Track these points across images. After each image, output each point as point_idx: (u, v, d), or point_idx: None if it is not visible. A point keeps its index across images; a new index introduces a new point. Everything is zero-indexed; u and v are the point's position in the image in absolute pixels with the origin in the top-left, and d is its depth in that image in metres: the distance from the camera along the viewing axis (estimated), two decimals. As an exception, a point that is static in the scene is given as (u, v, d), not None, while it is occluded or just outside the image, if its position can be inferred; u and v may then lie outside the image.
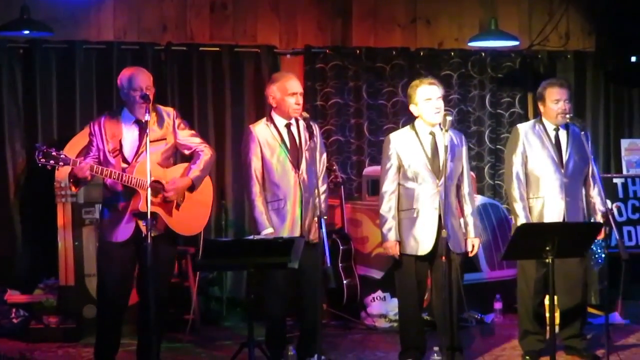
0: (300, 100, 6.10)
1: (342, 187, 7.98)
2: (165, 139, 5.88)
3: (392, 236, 6.01)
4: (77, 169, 5.60)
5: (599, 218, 6.29)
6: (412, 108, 6.09)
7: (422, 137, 6.03)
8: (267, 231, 5.94)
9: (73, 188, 5.82)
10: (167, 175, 5.85)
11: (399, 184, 6.05)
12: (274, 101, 6.09)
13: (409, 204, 6.02)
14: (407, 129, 6.13)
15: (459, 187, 6.13)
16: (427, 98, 5.98)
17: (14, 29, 7.58)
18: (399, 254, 6.02)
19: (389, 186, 6.06)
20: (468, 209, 6.11)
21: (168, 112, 5.97)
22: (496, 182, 8.77)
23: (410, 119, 8.39)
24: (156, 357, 5.74)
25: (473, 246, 6.10)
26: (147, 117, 5.58)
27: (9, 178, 7.81)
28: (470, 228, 6.09)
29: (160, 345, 5.94)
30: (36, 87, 7.86)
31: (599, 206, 6.30)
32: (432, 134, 6.02)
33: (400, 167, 6.04)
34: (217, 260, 5.56)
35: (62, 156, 5.56)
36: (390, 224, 6.02)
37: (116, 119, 5.85)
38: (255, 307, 5.70)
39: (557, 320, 6.27)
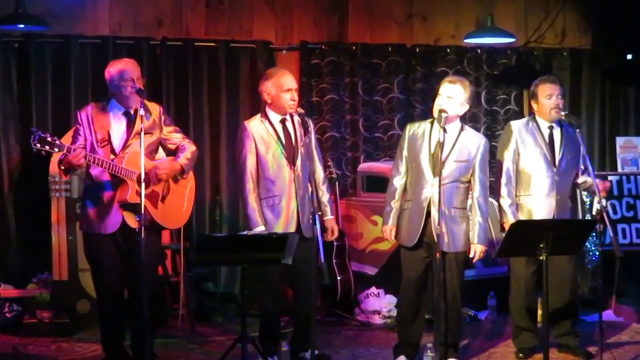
0: (296, 96, 6.09)
1: (336, 183, 7.97)
2: (151, 133, 5.91)
3: (387, 220, 6.06)
4: (73, 156, 5.60)
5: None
6: None
7: (433, 131, 6.00)
8: (259, 229, 5.92)
9: (63, 175, 5.82)
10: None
11: (407, 173, 6.07)
12: (269, 97, 6.08)
13: (408, 194, 6.04)
14: (428, 121, 6.09)
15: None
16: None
17: (9, 22, 7.55)
18: (391, 239, 6.08)
19: (394, 171, 6.09)
20: (475, 214, 6.03)
21: (155, 107, 6.02)
22: (490, 178, 8.74)
23: (405, 117, 8.50)
24: (150, 353, 5.74)
25: (476, 252, 6.00)
26: (141, 112, 5.58)
27: (3, 172, 7.77)
28: (474, 234, 6.00)
29: (153, 340, 5.93)
30: (31, 81, 7.82)
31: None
32: (443, 129, 5.98)
33: (407, 157, 6.05)
34: (211, 256, 5.57)
35: (57, 142, 5.57)
36: (388, 208, 6.07)
37: (104, 109, 5.87)
38: (249, 302, 5.70)
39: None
